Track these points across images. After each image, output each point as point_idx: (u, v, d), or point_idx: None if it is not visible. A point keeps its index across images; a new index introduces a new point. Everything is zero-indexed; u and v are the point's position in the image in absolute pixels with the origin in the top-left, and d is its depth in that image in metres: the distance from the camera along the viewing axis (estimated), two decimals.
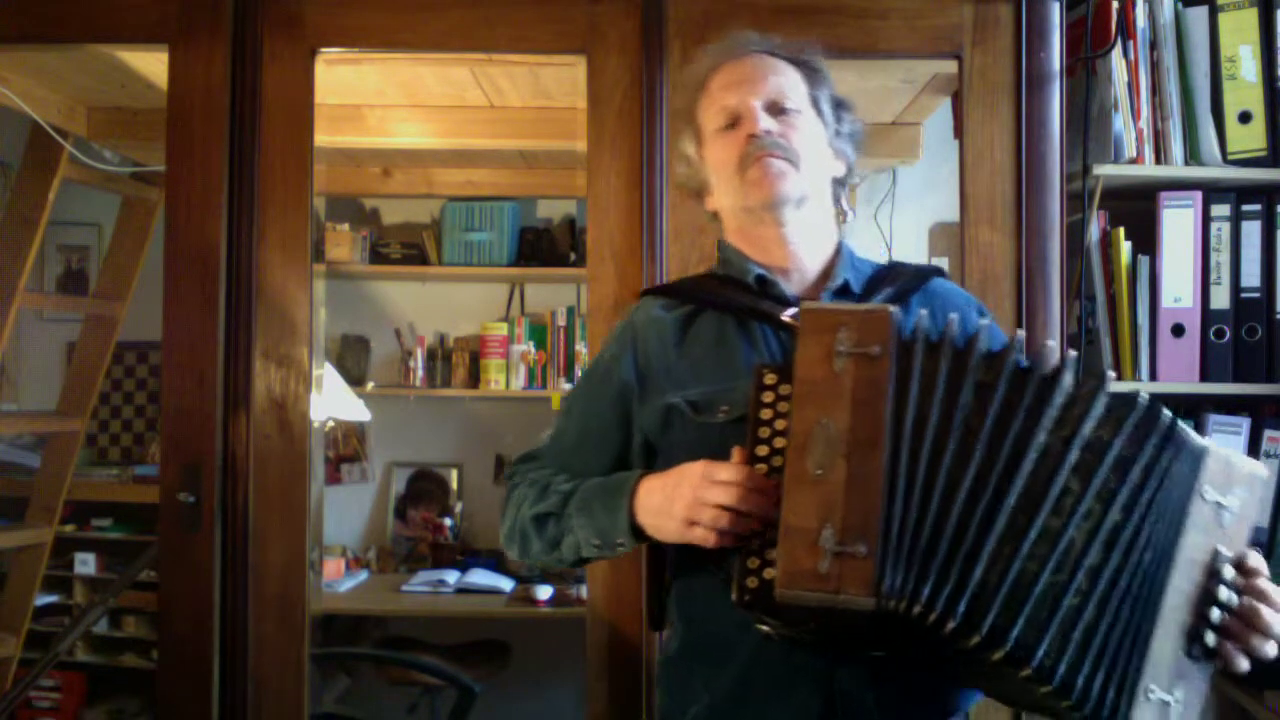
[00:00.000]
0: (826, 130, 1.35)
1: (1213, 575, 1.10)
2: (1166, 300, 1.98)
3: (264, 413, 1.92)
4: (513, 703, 3.39)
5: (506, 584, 3.29)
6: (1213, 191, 2.00)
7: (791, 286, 1.32)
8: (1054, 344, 1.12)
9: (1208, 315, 1.98)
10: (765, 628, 1.11)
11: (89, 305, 3.30)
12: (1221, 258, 1.98)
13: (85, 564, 3.47)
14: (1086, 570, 1.05)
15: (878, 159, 3.02)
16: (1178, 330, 1.98)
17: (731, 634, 1.20)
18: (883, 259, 1.44)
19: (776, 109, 1.31)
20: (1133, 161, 1.99)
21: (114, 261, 3.25)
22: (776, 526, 1.06)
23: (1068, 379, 1.10)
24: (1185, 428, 1.12)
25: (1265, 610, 1.08)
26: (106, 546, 3.51)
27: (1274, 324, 1.97)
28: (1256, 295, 1.97)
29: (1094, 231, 2.00)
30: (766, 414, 1.12)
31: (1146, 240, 2.00)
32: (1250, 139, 1.98)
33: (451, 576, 3.31)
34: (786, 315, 1.27)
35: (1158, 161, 2.00)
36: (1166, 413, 1.11)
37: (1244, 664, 1.09)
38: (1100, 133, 2.00)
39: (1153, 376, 1.98)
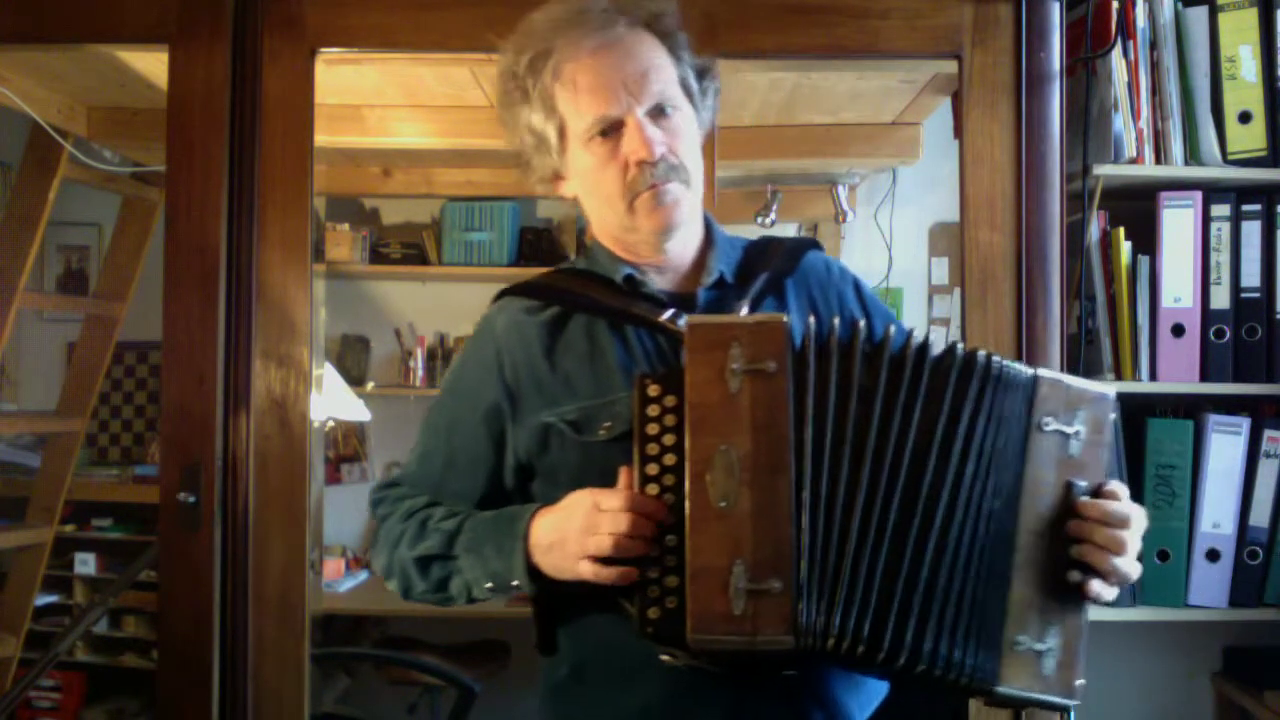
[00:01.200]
0: (696, 112, 1.22)
1: (1068, 510, 1.05)
2: (1166, 300, 1.98)
3: (264, 413, 1.92)
4: (513, 703, 3.39)
5: None
6: (1213, 191, 2.00)
7: (663, 282, 1.23)
8: (921, 331, 1.07)
9: (1208, 315, 1.98)
10: (668, 657, 1.06)
11: (89, 305, 3.30)
12: (1221, 258, 1.98)
13: (85, 564, 3.47)
14: (952, 546, 1.03)
15: (878, 159, 3.02)
16: (1178, 330, 1.98)
17: (632, 661, 1.12)
18: (754, 236, 1.35)
19: (658, 112, 1.16)
20: (1133, 161, 1.99)
21: (114, 261, 3.25)
22: (676, 552, 1.01)
23: (929, 361, 1.06)
24: (1010, 364, 1.07)
25: (1108, 530, 1.03)
26: (106, 546, 3.51)
27: (1274, 324, 1.97)
28: (1256, 295, 1.97)
29: (1094, 231, 2.00)
30: (653, 429, 1.04)
31: (1146, 240, 1.99)
32: (1250, 139, 1.98)
33: None
34: (664, 318, 1.16)
35: (1158, 161, 2.00)
36: (982, 354, 1.06)
37: (1107, 593, 1.04)
38: (1100, 133, 2.00)
39: (1153, 376, 1.98)
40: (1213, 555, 1.97)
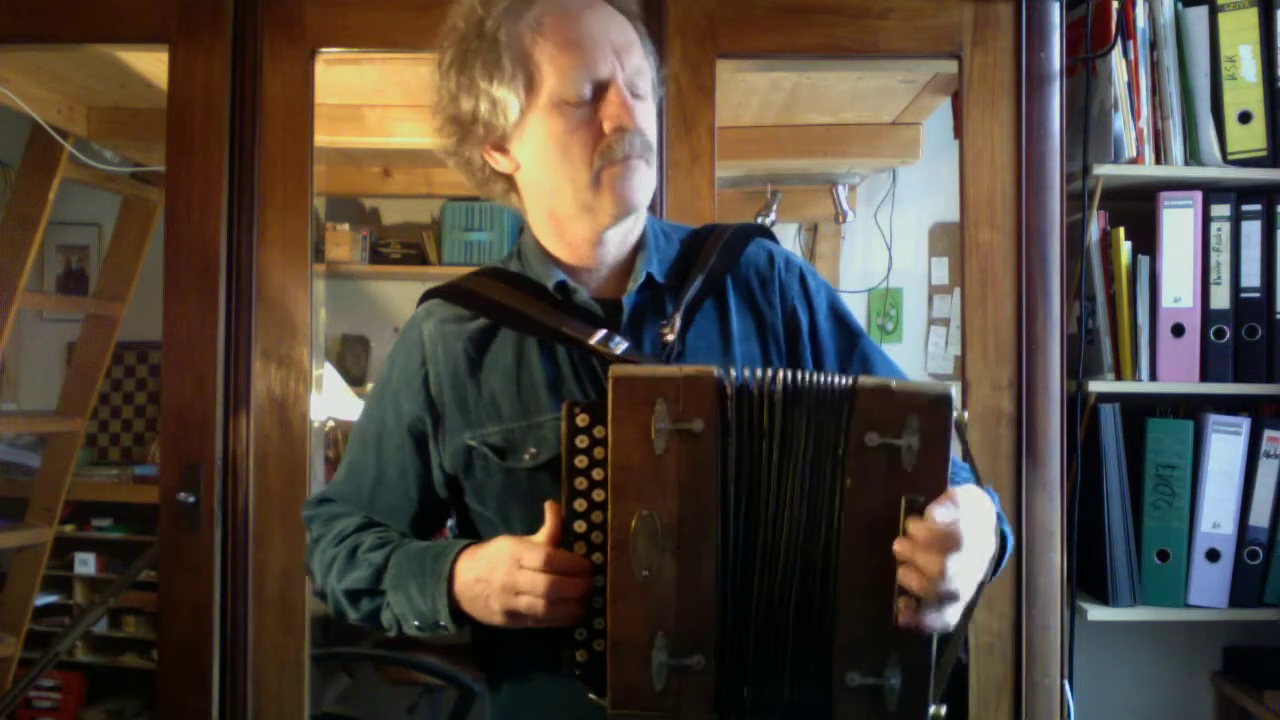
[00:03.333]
0: (654, 105, 1.15)
1: (891, 532, 0.93)
2: (1166, 300, 1.98)
3: (264, 413, 1.92)
4: None
5: None
6: (1213, 191, 2.00)
7: (591, 286, 1.16)
8: (842, 381, 0.98)
9: (1208, 315, 1.98)
10: (595, 697, 1.01)
11: (89, 305, 3.30)
12: (1221, 258, 1.98)
13: (85, 564, 3.47)
14: (781, 587, 0.97)
15: (878, 159, 3.02)
16: (1178, 330, 1.98)
17: (567, 693, 1.06)
18: (691, 223, 1.27)
19: (635, 91, 1.09)
20: (1133, 161, 1.99)
21: (114, 261, 3.25)
22: (602, 593, 0.98)
23: (820, 398, 0.98)
24: (834, 376, 0.98)
25: (925, 555, 0.91)
26: (106, 546, 3.50)
27: (1274, 324, 1.97)
28: (1256, 295, 1.97)
29: (1094, 231, 2.00)
30: (581, 461, 0.99)
31: (1146, 240, 1.99)
32: (1250, 139, 1.98)
33: None
34: (596, 340, 1.09)
35: (1158, 161, 2.00)
36: (787, 375, 0.98)
37: (935, 620, 0.93)
38: (1100, 133, 2.00)
39: (1153, 376, 1.98)
40: (1213, 555, 1.97)
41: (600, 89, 1.07)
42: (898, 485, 0.93)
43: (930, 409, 0.93)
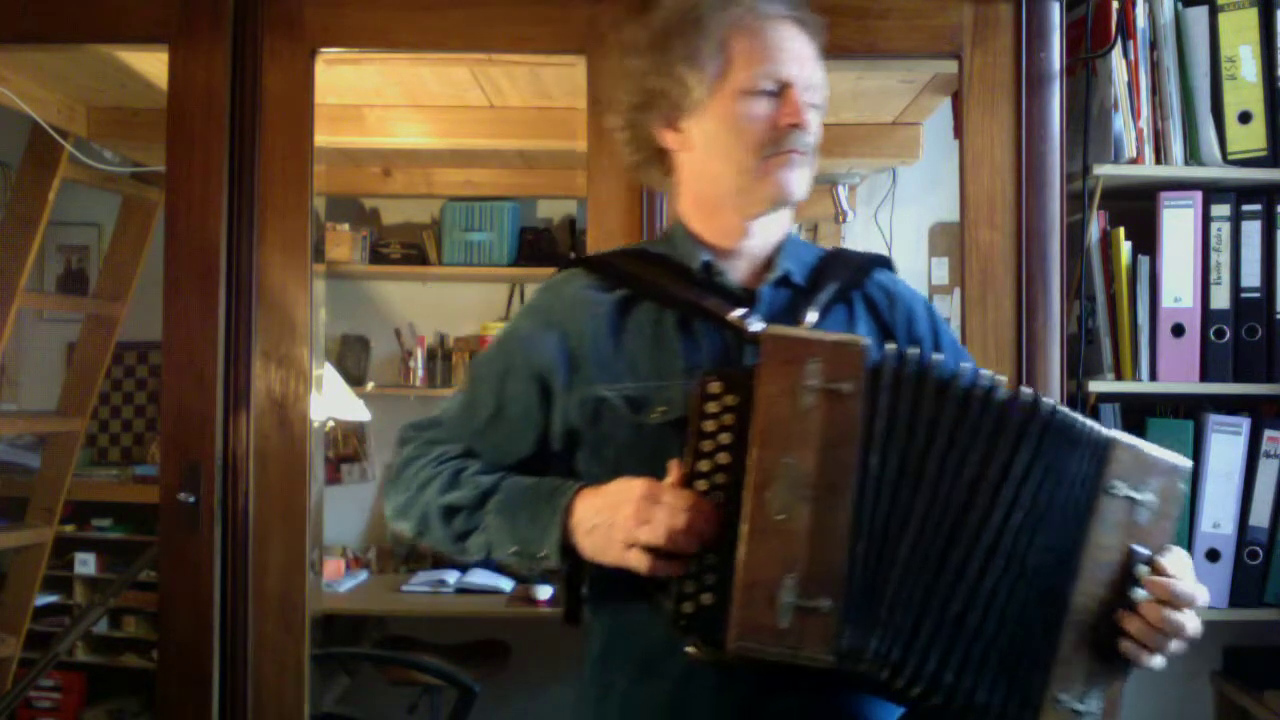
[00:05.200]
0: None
1: (1128, 576, 1.04)
2: (1166, 300, 1.98)
3: (264, 413, 1.92)
4: (513, 703, 3.39)
5: (506, 584, 3.29)
6: (1213, 191, 2.00)
7: (734, 273, 1.23)
8: (1001, 378, 1.07)
9: (1208, 315, 1.98)
10: (694, 650, 1.06)
11: (89, 305, 3.30)
12: (1221, 258, 1.98)
13: (85, 564, 3.47)
14: (990, 587, 1.03)
15: (878, 159, 3.02)
16: (1178, 330, 1.98)
17: (660, 648, 1.13)
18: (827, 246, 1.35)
19: (811, 100, 1.20)
20: (1133, 161, 1.99)
21: (114, 261, 3.25)
22: (717, 550, 1.02)
23: (996, 402, 1.05)
24: (1087, 422, 1.06)
25: (1166, 612, 1.02)
26: (106, 546, 3.51)
27: (1274, 324, 1.97)
28: (1256, 295, 1.97)
29: (1094, 231, 2.00)
30: (710, 426, 1.04)
31: (1146, 240, 1.99)
32: (1250, 139, 1.98)
33: (451, 576, 3.31)
34: (734, 316, 1.17)
35: (1158, 161, 2.00)
36: (1061, 410, 1.05)
37: (1156, 662, 1.05)
38: (1100, 133, 2.00)
39: (1153, 376, 1.98)
40: (1213, 555, 1.97)
41: (782, 88, 1.17)
42: (1129, 534, 1.04)
43: (1171, 473, 1.05)
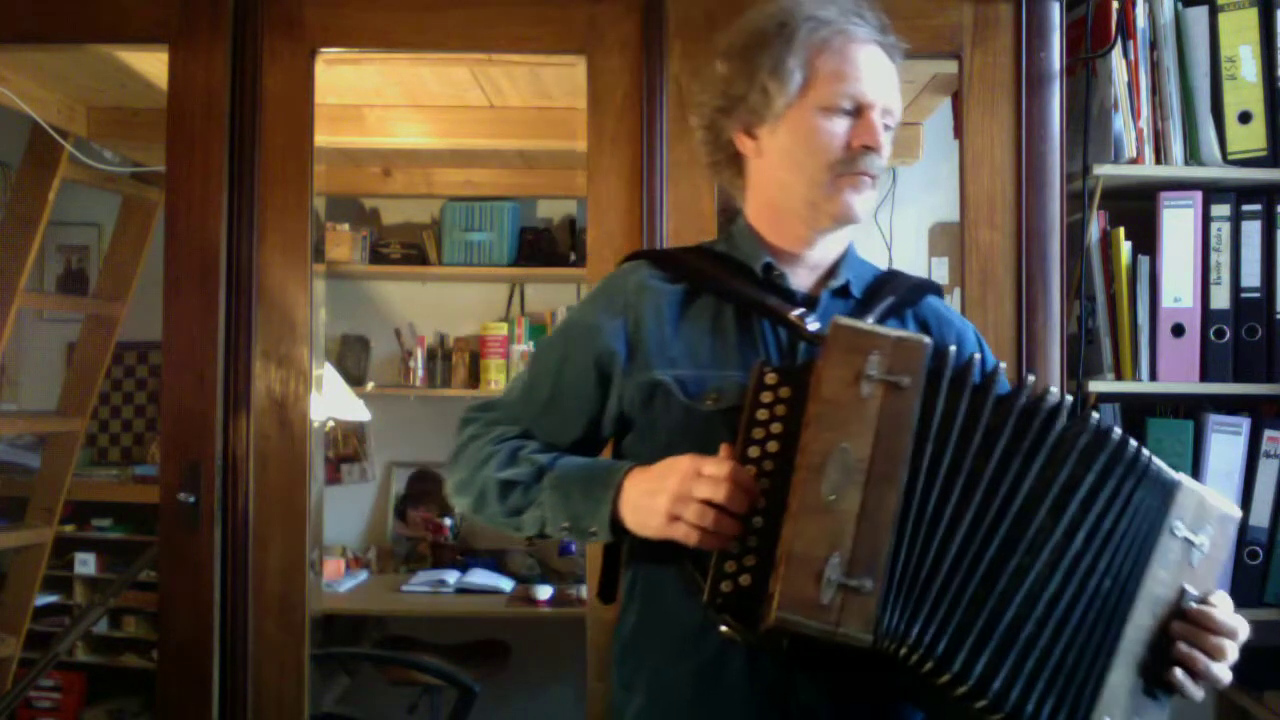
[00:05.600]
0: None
1: (1176, 614, 1.09)
2: (1166, 300, 1.98)
3: (264, 413, 1.92)
4: (513, 703, 3.39)
5: (506, 584, 3.29)
6: (1213, 191, 2.00)
7: (795, 278, 1.28)
8: (1055, 390, 1.11)
9: (1208, 315, 1.98)
10: (728, 629, 1.08)
11: (89, 305, 3.30)
12: (1221, 258, 1.98)
13: (85, 564, 3.47)
14: (1048, 600, 1.06)
15: None
16: (1178, 330, 1.98)
17: (692, 629, 1.16)
18: (882, 263, 1.40)
19: (886, 123, 1.24)
20: (1133, 161, 1.99)
21: (114, 261, 3.25)
22: (759, 533, 1.04)
23: (1061, 421, 1.09)
24: (1156, 460, 1.11)
25: (1214, 638, 1.08)
26: (106, 546, 3.51)
27: (1274, 324, 1.97)
28: (1256, 295, 1.97)
29: (1094, 231, 2.00)
30: (763, 414, 1.08)
31: (1146, 240, 1.99)
32: (1250, 139, 1.98)
33: (451, 576, 3.31)
34: (794, 315, 1.22)
35: (1158, 161, 2.00)
36: (1133, 444, 1.10)
37: (1198, 693, 1.09)
38: (1100, 133, 2.00)
39: (1153, 376, 1.98)
40: None
41: (860, 109, 1.21)
42: (1182, 573, 1.10)
43: (1225, 521, 1.12)
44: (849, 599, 1.00)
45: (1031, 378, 1.12)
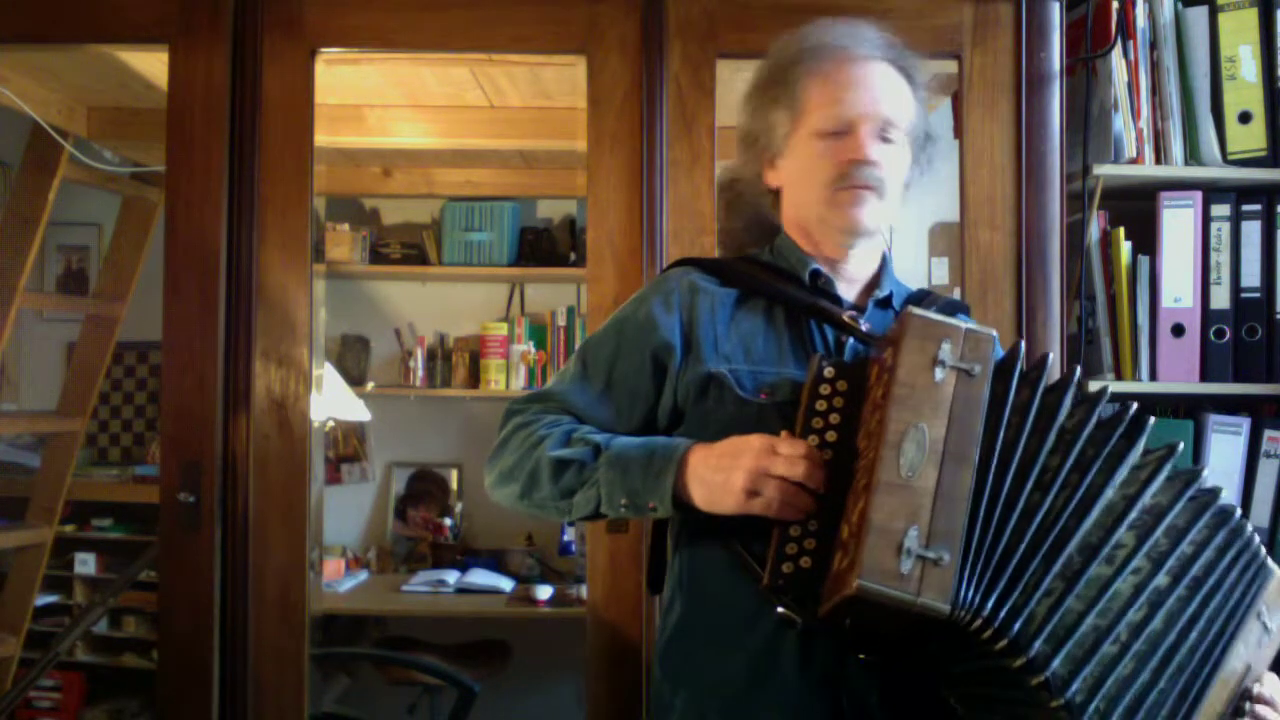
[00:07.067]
0: (912, 162, 1.34)
1: (1244, 694, 1.13)
2: (1166, 300, 1.98)
3: (264, 413, 1.92)
4: (513, 703, 3.39)
5: (506, 584, 3.29)
6: (1213, 191, 1.99)
7: (839, 289, 1.33)
8: (1134, 406, 1.14)
9: (1208, 315, 1.98)
10: (786, 612, 1.11)
11: (89, 305, 3.30)
12: (1221, 258, 1.98)
13: (85, 564, 3.47)
14: (1129, 624, 1.08)
15: None
16: (1178, 330, 1.98)
17: (741, 619, 1.19)
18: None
19: (884, 135, 1.29)
20: (1133, 161, 1.99)
21: (114, 261, 3.25)
22: (819, 517, 1.09)
23: (1140, 443, 1.12)
24: (1257, 537, 1.16)
25: None
26: (106, 546, 3.50)
27: (1274, 324, 1.97)
28: (1256, 295, 1.97)
29: (1094, 231, 2.00)
30: (821, 405, 1.14)
31: (1146, 240, 1.99)
32: (1250, 139, 1.98)
33: (451, 576, 3.31)
34: (847, 315, 1.26)
35: (1158, 161, 2.00)
36: (1238, 511, 1.15)
37: None
38: (1100, 133, 2.00)
39: (1153, 376, 1.98)
40: None
41: (851, 127, 1.26)
42: (1254, 653, 1.14)
43: None
44: (928, 570, 1.02)
45: (1108, 389, 1.14)
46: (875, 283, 1.35)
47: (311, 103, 1.93)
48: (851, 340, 1.27)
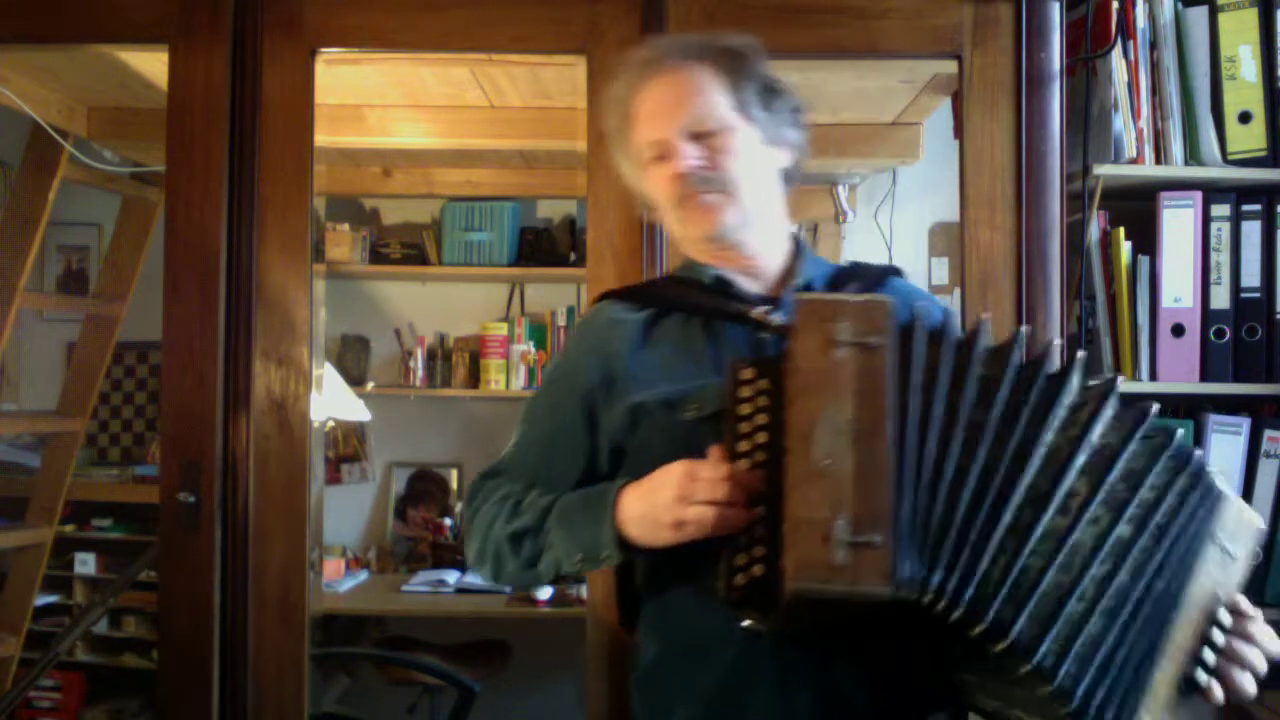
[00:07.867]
0: (761, 131, 1.30)
1: (1210, 619, 1.11)
2: (1166, 300, 1.98)
3: (264, 413, 1.92)
4: (513, 703, 3.39)
5: None
6: (1213, 191, 1.99)
7: (753, 287, 1.32)
8: (1057, 342, 1.10)
9: (1208, 315, 1.98)
10: (751, 622, 1.09)
11: (89, 305, 3.30)
12: (1221, 258, 1.98)
13: (85, 564, 3.47)
14: (1094, 579, 1.04)
15: (878, 159, 3.02)
16: (1178, 330, 1.98)
17: (711, 639, 1.18)
18: (844, 260, 1.44)
19: (700, 134, 1.27)
20: (1133, 161, 1.99)
21: (114, 261, 3.25)
22: (763, 523, 1.06)
23: (1075, 379, 1.09)
24: (1203, 457, 1.12)
25: (1251, 650, 1.10)
26: (106, 546, 3.51)
27: (1274, 324, 1.97)
28: (1256, 295, 1.97)
29: (1094, 231, 2.00)
30: (745, 409, 1.10)
31: (1146, 240, 1.99)
32: (1250, 139, 1.98)
33: (451, 576, 3.31)
34: (757, 312, 1.25)
35: (1158, 161, 2.00)
36: (1180, 433, 1.11)
37: (1218, 696, 1.10)
38: (1100, 133, 2.00)
39: (1153, 376, 1.98)
40: None
41: (665, 148, 1.27)
42: (1217, 579, 1.12)
43: (1255, 533, 1.17)
44: (862, 555, 0.99)
45: (1025, 328, 1.12)
46: (791, 272, 1.33)
47: (311, 103, 1.93)
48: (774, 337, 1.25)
